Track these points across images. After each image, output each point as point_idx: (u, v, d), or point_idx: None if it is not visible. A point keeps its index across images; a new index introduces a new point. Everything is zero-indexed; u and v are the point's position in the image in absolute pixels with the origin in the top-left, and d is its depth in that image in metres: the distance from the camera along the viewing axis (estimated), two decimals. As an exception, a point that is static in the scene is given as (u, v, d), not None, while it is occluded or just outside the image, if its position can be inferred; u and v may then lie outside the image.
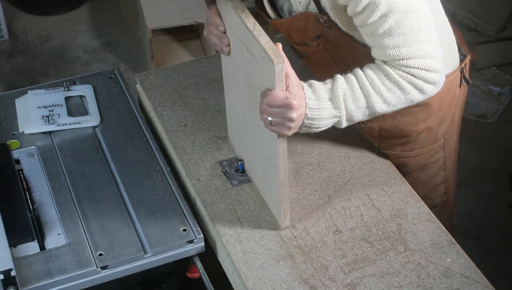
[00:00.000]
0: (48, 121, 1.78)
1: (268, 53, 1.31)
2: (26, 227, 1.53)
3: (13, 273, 1.43)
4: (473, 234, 2.65)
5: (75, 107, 1.87)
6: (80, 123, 1.81)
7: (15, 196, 1.59)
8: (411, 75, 1.40)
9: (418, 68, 1.40)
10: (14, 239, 1.50)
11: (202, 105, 1.88)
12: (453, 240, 1.53)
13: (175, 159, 1.76)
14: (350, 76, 1.43)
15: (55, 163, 1.71)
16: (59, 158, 1.72)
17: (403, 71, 1.40)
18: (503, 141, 3.06)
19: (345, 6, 1.40)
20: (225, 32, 1.51)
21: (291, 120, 1.37)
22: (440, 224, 1.57)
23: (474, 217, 2.70)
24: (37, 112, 1.81)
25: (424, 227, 1.56)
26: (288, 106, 1.36)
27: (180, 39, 3.60)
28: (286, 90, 1.36)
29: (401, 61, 1.39)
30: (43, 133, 1.78)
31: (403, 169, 1.71)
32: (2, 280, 1.42)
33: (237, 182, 1.66)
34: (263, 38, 1.34)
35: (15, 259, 1.46)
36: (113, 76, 1.98)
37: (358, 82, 1.41)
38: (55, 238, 1.53)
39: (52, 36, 3.74)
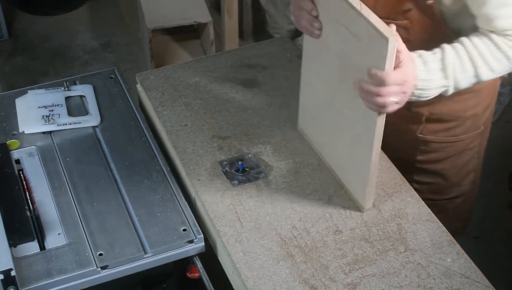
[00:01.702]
0: (48, 121, 1.78)
1: (381, 30, 1.30)
2: (26, 227, 1.53)
3: (13, 273, 1.43)
4: (473, 234, 2.65)
5: (75, 107, 1.87)
6: (80, 123, 1.81)
7: (15, 196, 1.59)
8: None
9: None
10: (14, 239, 1.50)
11: (202, 105, 1.88)
12: (453, 240, 1.53)
13: (175, 159, 1.76)
14: (458, 46, 1.44)
15: (55, 163, 1.71)
16: (59, 158, 1.72)
17: (511, 40, 1.42)
18: (503, 141, 3.06)
19: None
20: (317, 16, 1.50)
21: (404, 96, 1.38)
22: (440, 224, 1.57)
23: (474, 217, 2.70)
24: (37, 112, 1.81)
25: (424, 227, 1.56)
26: (401, 84, 1.36)
27: (180, 39, 3.61)
28: (397, 67, 1.36)
29: (510, 31, 1.41)
30: (43, 133, 1.78)
31: (441, 154, 1.72)
32: (2, 280, 1.42)
33: (237, 182, 1.66)
34: (373, 16, 1.34)
35: (15, 259, 1.46)
36: (113, 76, 1.98)
37: (466, 52, 1.43)
38: (55, 238, 1.53)
39: (52, 36, 3.75)
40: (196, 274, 1.56)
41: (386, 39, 1.29)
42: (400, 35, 1.57)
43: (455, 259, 1.49)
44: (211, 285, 1.53)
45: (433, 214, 1.59)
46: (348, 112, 1.51)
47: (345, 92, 1.48)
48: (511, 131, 3.14)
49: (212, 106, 1.87)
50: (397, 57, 1.35)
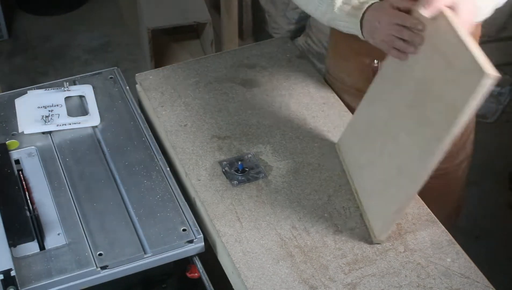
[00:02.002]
0: (48, 121, 1.78)
1: (481, 65, 1.25)
2: (26, 227, 1.53)
3: (12, 273, 1.43)
4: (473, 234, 2.65)
5: (75, 107, 1.87)
6: (79, 123, 1.81)
7: (15, 196, 1.59)
8: None
9: None
10: (14, 239, 1.50)
11: (202, 105, 1.88)
12: (453, 240, 1.53)
13: (175, 159, 1.76)
14: None
15: (54, 163, 1.71)
16: (58, 158, 1.72)
17: None
18: (503, 141, 3.06)
19: None
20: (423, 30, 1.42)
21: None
22: (440, 224, 1.57)
23: (474, 217, 2.70)
24: (36, 112, 1.81)
25: (424, 227, 1.55)
26: None
27: (180, 39, 3.61)
28: None
29: None
30: (43, 133, 1.78)
31: None
32: (2, 280, 1.42)
33: (237, 182, 1.66)
34: (476, 50, 1.29)
35: (14, 259, 1.46)
36: (113, 76, 1.98)
37: None
38: (55, 238, 1.53)
39: (52, 36, 3.75)
40: (196, 274, 1.56)
41: (483, 74, 1.24)
42: None
43: (455, 259, 1.49)
44: (211, 285, 1.53)
45: (432, 214, 1.59)
46: (404, 140, 1.46)
47: (410, 118, 1.44)
48: (511, 131, 3.14)
49: (212, 106, 1.87)
50: None
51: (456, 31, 1.34)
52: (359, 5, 1.55)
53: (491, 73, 1.25)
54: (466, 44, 1.31)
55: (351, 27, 1.57)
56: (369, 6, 1.53)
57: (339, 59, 1.84)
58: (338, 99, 1.88)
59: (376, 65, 1.70)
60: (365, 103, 1.66)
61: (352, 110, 1.80)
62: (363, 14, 1.53)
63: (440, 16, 1.38)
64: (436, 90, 1.40)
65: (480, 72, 1.26)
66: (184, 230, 1.55)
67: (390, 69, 1.56)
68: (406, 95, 1.50)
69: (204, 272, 1.55)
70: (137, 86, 1.98)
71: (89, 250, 1.50)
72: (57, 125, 1.79)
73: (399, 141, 1.49)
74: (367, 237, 1.53)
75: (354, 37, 1.60)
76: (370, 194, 1.59)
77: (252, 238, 1.53)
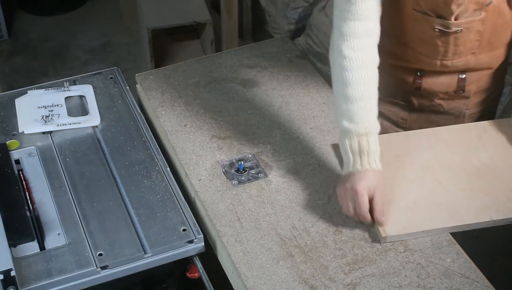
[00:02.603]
0: (48, 121, 1.78)
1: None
2: (26, 227, 1.53)
3: (13, 273, 1.43)
4: (473, 234, 2.65)
5: (75, 107, 1.87)
6: (80, 123, 1.81)
7: (15, 196, 1.59)
8: None
9: None
10: (14, 239, 1.50)
11: (202, 105, 1.88)
12: (453, 240, 1.53)
13: (175, 159, 1.76)
14: None
15: (55, 163, 1.71)
16: (59, 158, 1.72)
17: None
18: (503, 141, 3.06)
19: None
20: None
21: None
22: (440, 224, 1.57)
23: (474, 217, 2.70)
24: (37, 112, 1.81)
25: (424, 227, 1.56)
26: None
27: (180, 39, 3.61)
28: None
29: None
30: (43, 133, 1.78)
31: None
32: (2, 280, 1.42)
33: (237, 182, 1.66)
34: None
35: (15, 259, 1.46)
36: (113, 76, 1.98)
37: None
38: (55, 238, 1.53)
39: (52, 36, 3.75)
40: (196, 274, 1.56)
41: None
42: (473, 32, 1.60)
43: (455, 259, 1.49)
44: (211, 285, 1.53)
45: (433, 214, 1.59)
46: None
47: None
48: (511, 131, 3.13)
49: (212, 106, 1.87)
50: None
51: None
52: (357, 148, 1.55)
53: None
54: None
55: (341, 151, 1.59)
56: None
57: None
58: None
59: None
60: None
61: None
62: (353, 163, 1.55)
63: None
64: None
65: None
66: (184, 230, 1.55)
67: None
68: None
69: (204, 272, 1.55)
70: (137, 86, 1.98)
71: (89, 250, 1.50)
72: (57, 125, 1.79)
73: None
74: (367, 237, 1.53)
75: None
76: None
77: (252, 238, 1.53)
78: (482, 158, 1.66)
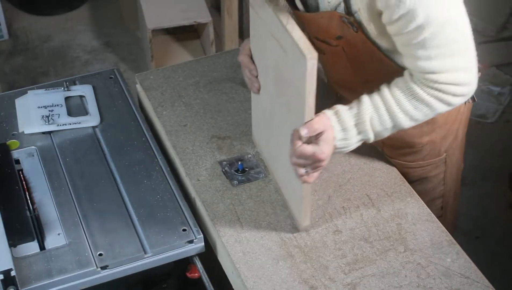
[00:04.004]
0: (48, 121, 1.78)
1: (300, 47, 1.28)
2: (26, 227, 1.53)
3: (13, 273, 1.43)
4: (473, 234, 2.65)
5: (75, 107, 1.87)
6: (80, 123, 1.81)
7: (15, 196, 1.59)
8: (440, 91, 1.38)
9: (447, 84, 1.37)
10: (14, 239, 1.50)
11: (202, 105, 1.88)
12: (453, 240, 1.53)
13: (175, 159, 1.76)
14: (376, 98, 1.41)
15: (55, 163, 1.71)
16: (59, 158, 1.72)
17: (431, 87, 1.38)
18: (503, 141, 3.06)
19: (381, 12, 1.36)
20: (257, 76, 1.55)
21: (321, 166, 1.40)
22: (440, 224, 1.57)
23: (474, 217, 2.70)
24: (37, 112, 1.81)
25: (424, 227, 1.56)
26: (317, 160, 1.38)
27: (180, 39, 3.61)
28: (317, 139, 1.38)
29: (431, 75, 1.37)
30: (43, 133, 1.78)
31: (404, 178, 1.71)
32: (2, 280, 1.42)
33: (237, 182, 1.66)
34: (296, 32, 1.32)
35: (15, 259, 1.46)
36: (113, 76, 1.98)
37: (384, 104, 1.41)
38: (55, 238, 1.53)
39: (52, 36, 3.75)
40: (196, 274, 1.56)
41: (304, 57, 1.27)
42: (337, 57, 1.56)
43: (455, 259, 1.49)
44: (211, 285, 1.53)
45: (433, 214, 1.59)
46: (284, 126, 1.48)
47: (281, 106, 1.46)
48: (511, 131, 3.13)
49: (212, 106, 1.87)
50: (314, 130, 1.36)
51: (279, 17, 1.36)
52: None
53: (310, 54, 1.27)
54: (289, 30, 1.33)
55: None
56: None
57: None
58: (338, 99, 1.88)
59: None
60: (253, 96, 1.68)
61: None
62: None
63: (268, 4, 1.41)
64: (285, 75, 1.41)
65: (302, 55, 1.28)
66: (184, 230, 1.55)
67: (257, 60, 1.59)
68: (272, 84, 1.52)
69: (204, 272, 1.55)
70: (137, 86, 1.98)
71: (89, 250, 1.50)
72: (57, 125, 1.79)
73: (282, 131, 1.50)
74: (367, 237, 1.53)
75: None
76: (283, 183, 1.60)
77: (252, 238, 1.53)
78: None
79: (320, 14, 1.49)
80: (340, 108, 1.42)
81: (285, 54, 1.37)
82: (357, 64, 1.54)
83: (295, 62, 1.33)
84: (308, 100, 1.34)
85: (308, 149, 1.37)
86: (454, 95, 1.39)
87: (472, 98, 1.61)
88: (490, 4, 3.41)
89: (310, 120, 1.36)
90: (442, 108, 1.41)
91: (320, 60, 1.64)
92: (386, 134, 1.45)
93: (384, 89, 1.42)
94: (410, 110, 1.40)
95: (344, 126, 1.41)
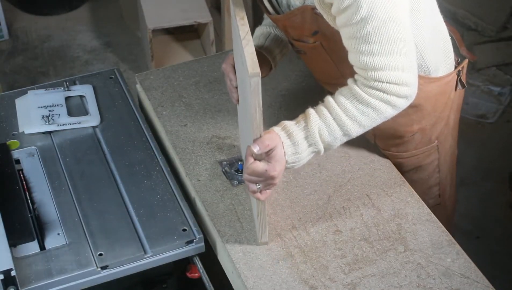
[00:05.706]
0: (48, 121, 1.78)
1: (247, 64, 1.29)
2: (26, 227, 1.53)
3: (13, 273, 1.43)
4: (473, 234, 2.65)
5: (75, 107, 1.87)
6: (80, 123, 1.81)
7: (15, 196, 1.59)
8: (382, 92, 1.40)
9: (388, 82, 1.39)
10: (14, 239, 1.50)
11: (202, 105, 1.88)
12: (453, 240, 1.53)
13: (175, 159, 1.76)
14: (322, 109, 1.42)
15: (55, 163, 1.71)
16: (59, 158, 1.72)
17: (374, 88, 1.40)
18: (503, 141, 3.06)
19: (331, 4, 1.39)
20: (236, 87, 1.56)
21: (273, 184, 1.42)
22: (440, 224, 1.57)
23: (474, 217, 2.70)
24: (37, 112, 1.81)
25: (424, 227, 1.56)
26: (269, 177, 1.40)
27: (180, 39, 3.61)
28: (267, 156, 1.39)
29: (373, 72, 1.38)
30: (43, 133, 1.78)
31: (398, 169, 1.72)
32: (2, 280, 1.42)
33: (237, 182, 1.66)
34: (249, 48, 1.32)
35: (15, 259, 1.46)
36: (113, 76, 1.98)
37: (331, 113, 1.41)
38: (55, 238, 1.53)
39: (52, 36, 3.75)
40: (196, 274, 1.56)
41: (247, 73, 1.28)
42: (318, 54, 1.57)
43: (455, 259, 1.49)
44: (211, 285, 1.53)
45: (433, 214, 1.59)
46: (248, 141, 1.47)
47: (247, 120, 1.45)
48: (511, 131, 3.13)
49: (212, 106, 1.87)
50: (265, 147, 1.37)
51: (239, 30, 1.37)
52: None
53: (254, 70, 1.28)
54: (243, 45, 1.33)
55: None
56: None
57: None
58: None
59: None
60: (238, 105, 1.66)
61: None
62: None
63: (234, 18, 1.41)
64: (245, 90, 1.41)
65: (247, 71, 1.29)
66: (184, 230, 1.55)
67: (238, 71, 1.58)
68: (242, 95, 1.52)
69: (204, 272, 1.55)
70: (137, 86, 1.98)
71: (90, 250, 1.50)
72: (58, 125, 1.79)
73: (246, 145, 1.49)
74: (367, 237, 1.53)
75: None
76: (250, 198, 1.60)
77: (252, 238, 1.53)
78: None
79: (292, 12, 1.51)
80: (287, 123, 1.44)
81: (243, 68, 1.38)
82: (337, 57, 1.55)
83: (246, 77, 1.33)
84: (255, 116, 1.34)
85: (260, 166, 1.39)
86: (397, 96, 1.41)
87: (462, 84, 1.63)
88: (490, 4, 3.41)
89: (261, 137, 1.38)
90: (388, 110, 1.43)
91: (303, 61, 1.65)
92: (337, 144, 1.45)
93: (329, 99, 1.43)
94: (356, 116, 1.41)
95: (294, 140, 1.41)
